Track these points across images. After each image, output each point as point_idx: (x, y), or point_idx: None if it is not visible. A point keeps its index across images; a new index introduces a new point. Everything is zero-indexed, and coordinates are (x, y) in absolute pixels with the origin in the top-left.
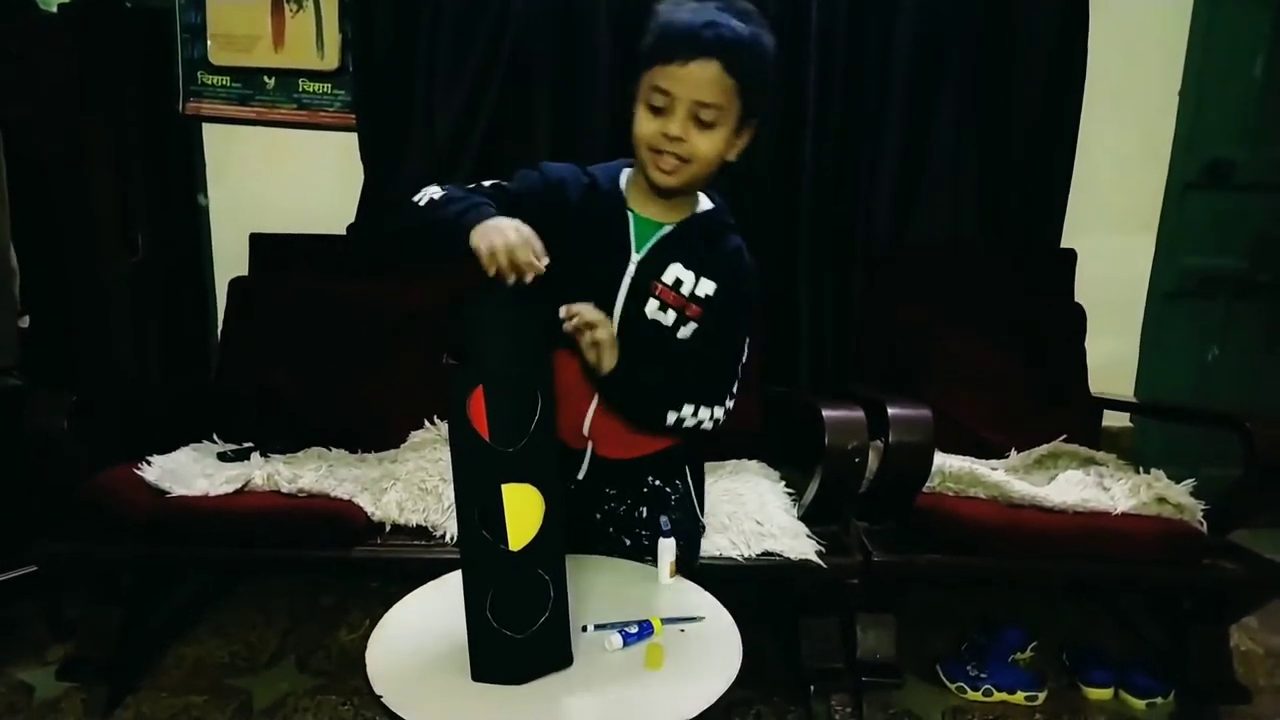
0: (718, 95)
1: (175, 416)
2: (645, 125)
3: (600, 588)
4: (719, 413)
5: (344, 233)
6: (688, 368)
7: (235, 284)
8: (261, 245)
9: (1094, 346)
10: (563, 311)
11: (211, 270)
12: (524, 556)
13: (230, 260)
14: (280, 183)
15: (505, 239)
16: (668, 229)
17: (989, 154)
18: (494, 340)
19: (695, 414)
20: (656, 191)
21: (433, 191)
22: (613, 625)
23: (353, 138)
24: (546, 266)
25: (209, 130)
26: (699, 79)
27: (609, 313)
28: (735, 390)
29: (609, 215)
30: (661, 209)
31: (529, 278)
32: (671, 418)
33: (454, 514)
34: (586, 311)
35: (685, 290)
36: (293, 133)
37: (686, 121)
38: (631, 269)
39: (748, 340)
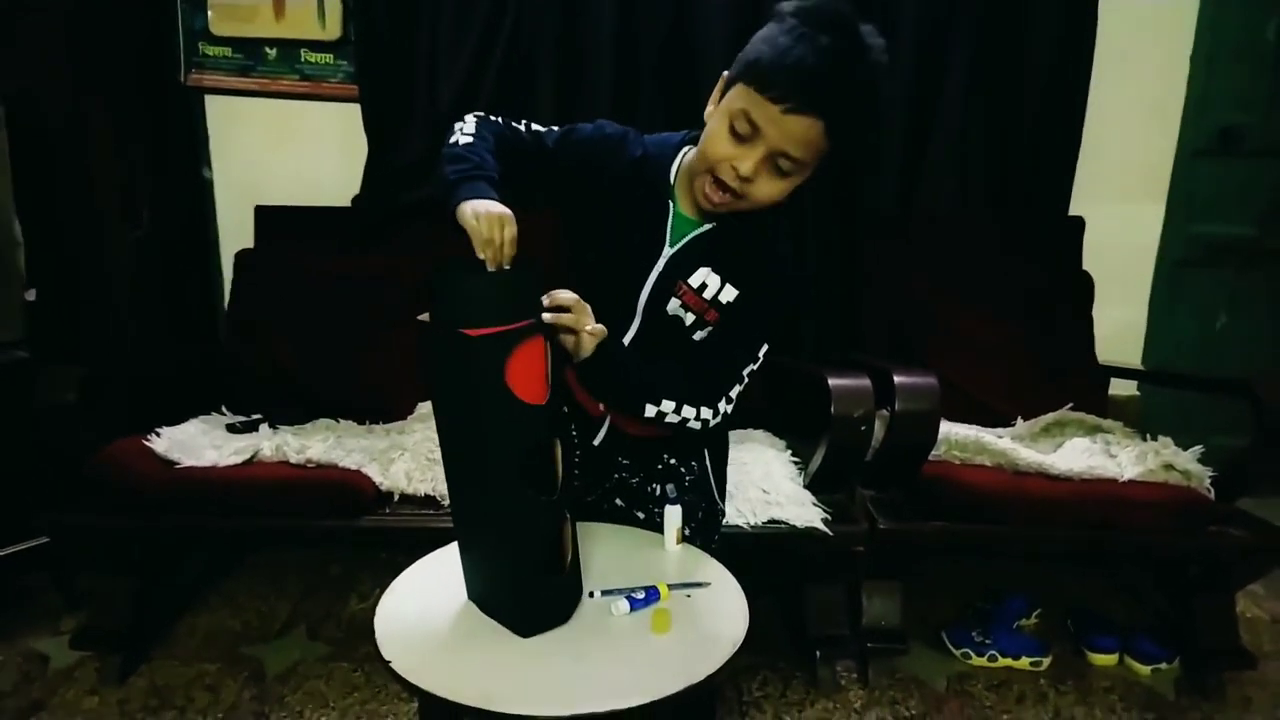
0: (807, 153)
1: (183, 389)
2: (719, 146)
3: (607, 555)
4: (707, 414)
5: (349, 204)
6: (677, 365)
7: (241, 256)
8: (266, 218)
9: (1101, 315)
10: (545, 300)
11: (217, 243)
12: (560, 502)
13: (235, 233)
14: (284, 155)
15: (474, 222)
16: (705, 228)
17: (997, 121)
18: (518, 297)
19: (678, 411)
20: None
21: (468, 129)
22: (619, 591)
23: (356, 109)
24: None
25: (211, 102)
26: (795, 133)
27: (634, 302)
28: (735, 394)
29: (649, 200)
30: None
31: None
32: (650, 411)
33: None
34: (560, 294)
35: (708, 295)
36: (295, 104)
37: (762, 164)
38: (661, 264)
39: (764, 348)
